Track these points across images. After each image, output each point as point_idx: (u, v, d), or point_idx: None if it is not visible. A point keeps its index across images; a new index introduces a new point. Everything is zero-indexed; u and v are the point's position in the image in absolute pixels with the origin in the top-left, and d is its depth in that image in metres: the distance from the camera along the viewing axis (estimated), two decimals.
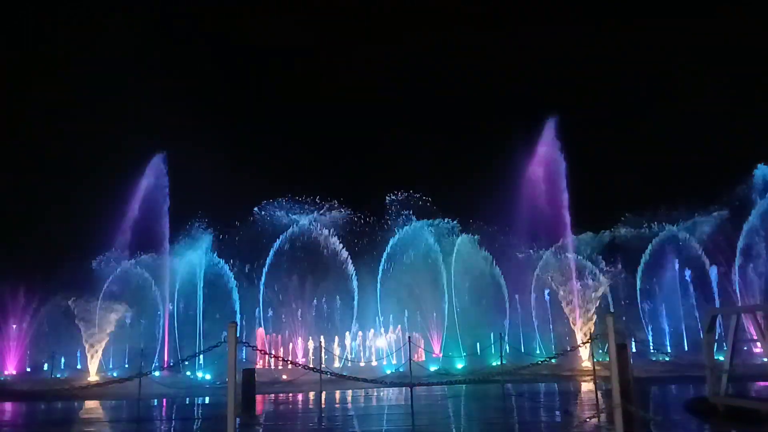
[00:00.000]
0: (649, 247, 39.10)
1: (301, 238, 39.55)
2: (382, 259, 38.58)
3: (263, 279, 38.18)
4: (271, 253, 38.56)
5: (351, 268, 39.10)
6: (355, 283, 38.87)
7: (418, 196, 40.99)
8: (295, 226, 39.59)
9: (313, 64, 71.56)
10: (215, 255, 38.46)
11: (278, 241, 38.86)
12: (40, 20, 62.80)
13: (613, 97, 57.52)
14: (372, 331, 37.26)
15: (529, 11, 69.50)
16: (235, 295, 37.33)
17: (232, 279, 37.61)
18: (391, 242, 39.34)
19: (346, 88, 63.24)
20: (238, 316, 36.82)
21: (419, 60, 65.17)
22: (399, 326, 36.61)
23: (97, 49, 64.63)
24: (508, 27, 65.96)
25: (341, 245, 39.47)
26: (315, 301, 38.67)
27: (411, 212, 40.37)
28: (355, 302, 38.58)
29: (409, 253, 39.16)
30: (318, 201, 40.81)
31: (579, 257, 37.55)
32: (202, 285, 37.57)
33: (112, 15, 66.21)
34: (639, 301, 38.83)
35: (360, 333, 37.18)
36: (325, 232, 39.74)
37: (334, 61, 69.18)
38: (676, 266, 38.91)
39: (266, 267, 38.25)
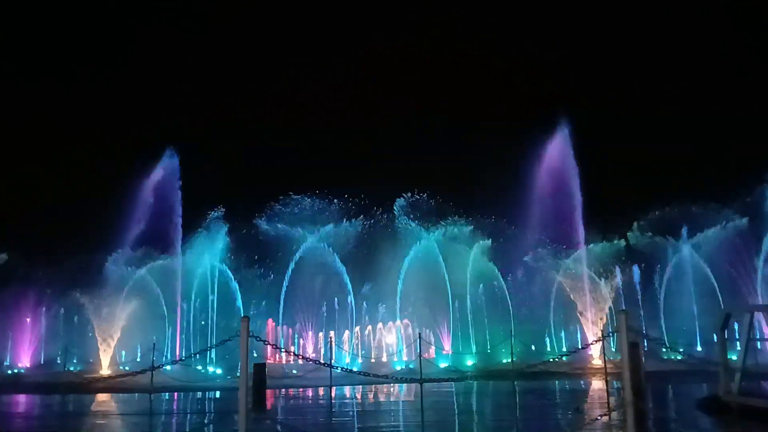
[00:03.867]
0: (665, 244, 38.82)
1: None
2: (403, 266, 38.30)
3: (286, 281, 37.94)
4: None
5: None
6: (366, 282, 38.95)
7: (427, 196, 40.87)
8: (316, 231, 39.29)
9: (317, 60, 71.53)
10: (228, 251, 38.52)
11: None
12: (42, 18, 63.29)
13: (625, 97, 56.89)
14: (381, 325, 37.30)
15: (538, 8, 69.07)
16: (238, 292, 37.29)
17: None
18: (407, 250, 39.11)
19: (348, 85, 63.18)
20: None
21: (424, 57, 64.92)
22: (406, 321, 36.65)
23: (104, 45, 65.21)
24: (516, 24, 65.68)
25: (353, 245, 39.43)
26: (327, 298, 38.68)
27: (420, 213, 40.28)
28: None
29: (422, 255, 38.98)
30: (330, 200, 40.68)
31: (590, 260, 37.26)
32: (213, 280, 37.65)
33: (118, 10, 66.73)
34: (652, 298, 38.53)
35: (369, 327, 37.26)
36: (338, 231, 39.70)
37: (334, 59, 69.12)
38: (691, 265, 38.55)
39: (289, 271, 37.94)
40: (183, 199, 36.15)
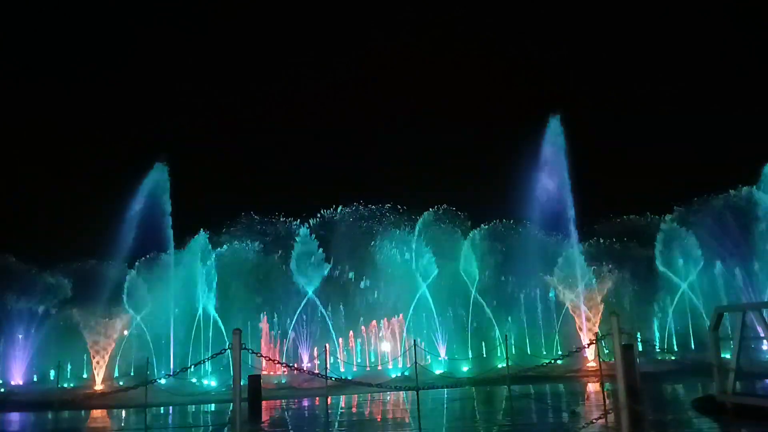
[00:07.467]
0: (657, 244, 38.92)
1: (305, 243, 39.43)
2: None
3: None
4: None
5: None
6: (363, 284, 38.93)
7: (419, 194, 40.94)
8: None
9: (317, 60, 71.67)
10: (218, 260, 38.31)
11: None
12: (42, 18, 63.14)
13: (625, 97, 57.18)
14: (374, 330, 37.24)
15: (538, 8, 69.55)
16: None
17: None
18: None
19: (348, 85, 63.31)
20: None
21: (424, 57, 65.14)
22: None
23: (104, 45, 65.00)
24: (516, 24, 66.06)
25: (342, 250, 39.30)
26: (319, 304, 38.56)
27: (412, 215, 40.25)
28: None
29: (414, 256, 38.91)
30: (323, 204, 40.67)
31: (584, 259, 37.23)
32: (206, 291, 37.39)
33: (118, 10, 66.68)
34: (645, 299, 38.61)
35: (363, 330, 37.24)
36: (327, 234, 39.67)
37: (334, 59, 69.24)
38: (682, 264, 38.67)
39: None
40: (180, 201, 36.09)
